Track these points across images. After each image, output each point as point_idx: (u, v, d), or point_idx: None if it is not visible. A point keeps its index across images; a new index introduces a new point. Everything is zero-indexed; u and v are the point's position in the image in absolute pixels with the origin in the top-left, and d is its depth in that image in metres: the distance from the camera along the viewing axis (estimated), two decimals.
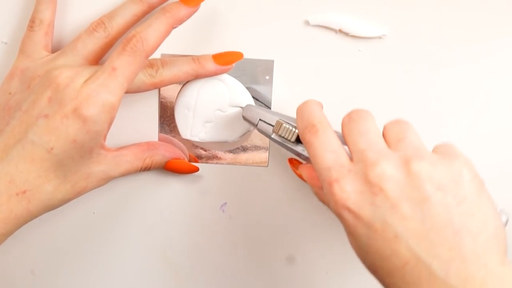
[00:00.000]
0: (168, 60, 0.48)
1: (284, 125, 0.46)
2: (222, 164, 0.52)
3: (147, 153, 0.50)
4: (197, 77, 0.49)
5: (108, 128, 0.45)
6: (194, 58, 0.49)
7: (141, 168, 0.49)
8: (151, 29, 0.44)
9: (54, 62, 0.47)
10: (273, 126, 0.47)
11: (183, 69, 0.48)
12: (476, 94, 0.50)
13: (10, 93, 0.47)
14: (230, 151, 0.52)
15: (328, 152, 0.41)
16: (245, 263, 0.54)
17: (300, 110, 0.44)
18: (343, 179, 0.39)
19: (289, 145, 0.46)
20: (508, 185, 0.51)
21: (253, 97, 0.50)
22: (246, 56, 0.50)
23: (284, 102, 0.51)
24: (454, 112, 0.50)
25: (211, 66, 0.49)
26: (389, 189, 0.38)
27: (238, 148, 0.52)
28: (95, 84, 0.43)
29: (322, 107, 0.45)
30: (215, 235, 0.53)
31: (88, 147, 0.44)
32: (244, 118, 0.49)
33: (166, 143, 0.51)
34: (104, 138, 0.46)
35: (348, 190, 0.39)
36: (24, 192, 0.44)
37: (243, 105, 0.50)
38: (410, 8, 0.49)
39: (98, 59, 0.48)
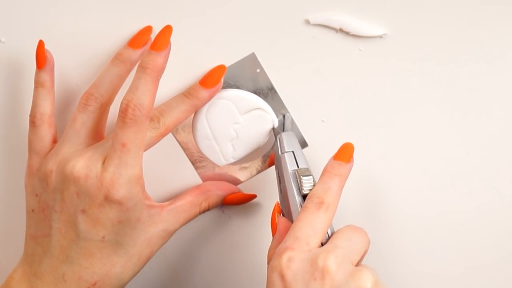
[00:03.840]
0: (164, 107, 0.48)
1: (312, 175, 0.45)
2: (261, 172, 0.52)
3: (201, 197, 0.50)
4: (197, 109, 0.49)
5: (143, 192, 0.46)
6: (186, 94, 0.48)
7: (199, 213, 0.50)
8: (141, 91, 0.44)
9: (62, 153, 0.47)
10: (298, 168, 0.46)
11: (182, 109, 0.48)
12: (477, 93, 0.50)
13: (36, 195, 0.47)
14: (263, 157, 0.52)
15: (309, 227, 0.42)
16: (245, 263, 0.53)
17: (327, 177, 0.45)
18: (299, 253, 0.41)
19: (294, 189, 0.46)
20: (509, 186, 0.51)
21: (254, 92, 0.50)
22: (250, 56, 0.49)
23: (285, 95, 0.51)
24: (455, 111, 0.50)
25: (204, 94, 0.48)
26: (327, 281, 0.40)
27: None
28: (113, 166, 0.44)
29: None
30: (215, 235, 0.53)
31: (135, 218, 0.46)
32: (279, 139, 0.47)
33: (216, 181, 0.52)
34: (148, 198, 0.47)
35: (293, 262, 0.41)
36: (95, 283, 0.46)
37: (253, 105, 0.49)
38: (411, 7, 0.49)
39: (100, 131, 0.49)
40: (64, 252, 0.46)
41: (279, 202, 0.47)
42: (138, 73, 0.45)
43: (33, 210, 0.47)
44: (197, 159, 0.52)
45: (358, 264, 0.42)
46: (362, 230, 0.44)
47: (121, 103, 0.44)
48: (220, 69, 0.49)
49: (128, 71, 0.48)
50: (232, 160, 0.50)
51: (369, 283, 0.40)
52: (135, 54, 0.48)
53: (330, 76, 0.50)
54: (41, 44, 0.48)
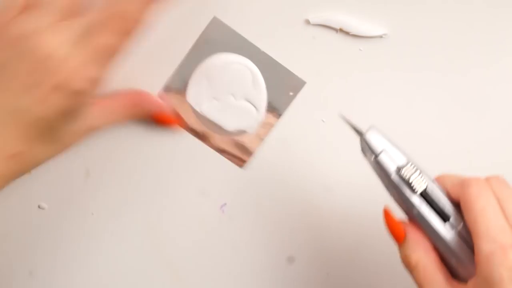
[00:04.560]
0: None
1: (419, 170, 0.41)
2: (206, 145, 0.51)
3: (133, 101, 0.49)
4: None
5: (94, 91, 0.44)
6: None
7: (125, 118, 0.49)
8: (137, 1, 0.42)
9: (33, 20, 0.42)
10: (398, 165, 0.42)
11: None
12: (477, 93, 0.50)
13: None
14: (223, 138, 0.51)
15: (497, 211, 0.39)
16: (245, 263, 0.53)
17: (444, 174, 0.43)
18: None
19: (406, 194, 0.42)
20: None
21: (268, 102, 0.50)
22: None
23: None
24: (455, 111, 0.50)
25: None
26: None
27: (233, 139, 0.51)
28: (80, 59, 0.42)
29: None
30: (215, 235, 0.53)
31: (76, 112, 0.44)
32: (365, 140, 0.43)
33: (147, 95, 0.50)
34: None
35: None
36: (14, 156, 0.43)
37: (257, 106, 0.49)
38: (411, 7, 0.49)
39: (76, 11, 0.44)
40: None
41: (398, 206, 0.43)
42: None
43: None
44: None
45: None
46: None
47: (118, 7, 0.42)
48: None
49: None
50: (197, 109, 0.50)
51: None
52: None
53: (330, 76, 0.50)
54: None
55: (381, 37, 0.49)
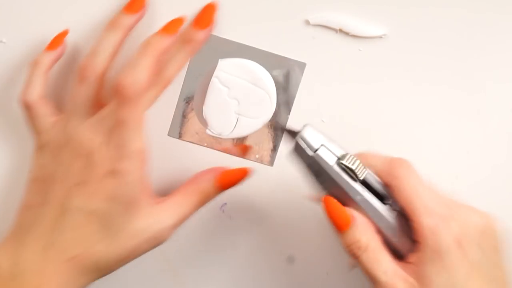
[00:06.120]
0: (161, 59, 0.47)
1: (358, 160, 0.43)
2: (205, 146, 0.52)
3: (193, 186, 0.48)
4: (194, 53, 0.48)
5: (144, 175, 0.45)
6: (181, 41, 0.47)
7: (195, 207, 0.48)
8: (139, 70, 0.44)
9: (68, 126, 0.47)
10: (337, 157, 0.43)
11: (180, 56, 0.47)
12: (477, 92, 0.50)
13: (41, 166, 0.47)
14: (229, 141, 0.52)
15: (428, 188, 0.42)
16: (245, 263, 0.53)
17: (368, 153, 0.44)
18: (459, 215, 0.41)
19: (349, 182, 0.43)
20: (509, 186, 0.51)
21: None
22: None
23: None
24: (455, 111, 0.50)
25: (200, 35, 0.48)
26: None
27: (237, 139, 0.52)
28: (116, 140, 0.44)
29: None
30: (215, 235, 0.53)
31: (128, 199, 0.45)
32: (302, 138, 0.43)
33: (206, 169, 0.50)
34: (148, 190, 0.46)
35: (466, 227, 0.41)
36: (74, 257, 0.45)
37: (270, 94, 0.50)
38: (411, 7, 0.49)
39: (100, 100, 0.48)
40: (54, 222, 0.45)
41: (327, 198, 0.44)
42: (142, 49, 0.44)
43: (33, 179, 0.47)
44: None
45: None
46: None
47: (115, 80, 0.43)
48: (211, 7, 0.48)
49: (123, 37, 0.48)
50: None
51: None
52: (129, 19, 0.47)
53: (330, 76, 0.50)
54: (65, 33, 0.48)
55: (381, 37, 0.49)
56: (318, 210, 0.52)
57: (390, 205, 0.43)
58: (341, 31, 0.50)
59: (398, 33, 0.49)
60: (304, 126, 0.44)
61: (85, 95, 0.47)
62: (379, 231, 0.43)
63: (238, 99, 0.50)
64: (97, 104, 0.48)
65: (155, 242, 0.47)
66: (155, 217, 0.46)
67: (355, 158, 0.43)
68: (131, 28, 0.48)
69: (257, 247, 0.53)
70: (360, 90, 0.50)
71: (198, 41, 0.48)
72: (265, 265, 0.53)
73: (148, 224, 0.46)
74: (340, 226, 0.43)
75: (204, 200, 0.49)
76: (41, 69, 0.48)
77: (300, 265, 0.53)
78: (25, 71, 0.50)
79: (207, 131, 0.51)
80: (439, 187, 0.43)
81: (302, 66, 0.50)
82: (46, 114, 0.49)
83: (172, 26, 0.45)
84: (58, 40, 0.48)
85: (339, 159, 0.43)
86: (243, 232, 0.53)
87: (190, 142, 0.51)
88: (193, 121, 0.51)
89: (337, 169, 0.43)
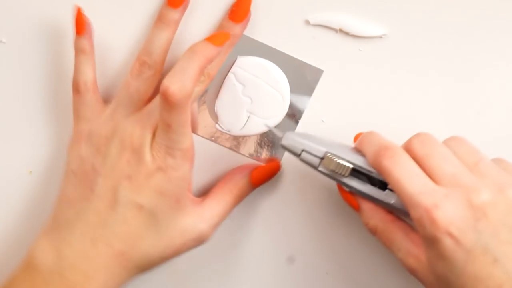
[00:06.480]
0: None
1: (337, 160, 0.44)
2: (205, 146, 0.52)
3: (228, 185, 0.49)
4: (233, 47, 0.49)
5: (190, 174, 0.46)
6: (224, 34, 0.47)
7: (232, 203, 0.49)
8: (186, 76, 0.43)
9: (117, 118, 0.47)
10: (320, 158, 0.45)
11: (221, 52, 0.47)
12: (477, 92, 0.50)
13: (81, 158, 0.47)
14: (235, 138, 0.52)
15: (414, 176, 0.41)
16: (245, 263, 0.53)
17: (365, 137, 0.45)
18: (443, 204, 0.39)
19: (339, 179, 0.45)
20: None
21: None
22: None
23: None
24: (455, 111, 0.50)
25: (237, 29, 0.48)
26: (491, 215, 0.39)
27: (246, 138, 0.52)
28: (164, 141, 0.44)
29: None
30: (215, 235, 0.53)
31: (175, 197, 0.45)
32: (283, 147, 0.46)
33: (238, 166, 0.51)
34: (190, 190, 0.47)
35: (451, 215, 0.39)
36: (122, 252, 0.45)
37: (283, 95, 0.50)
38: (411, 7, 0.49)
39: (152, 96, 0.48)
40: (100, 217, 0.45)
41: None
42: (188, 55, 0.44)
43: (73, 172, 0.47)
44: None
45: None
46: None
47: (162, 85, 0.43)
48: (246, 1, 0.48)
49: (174, 32, 0.48)
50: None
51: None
52: (177, 13, 0.48)
53: (330, 76, 0.50)
54: (79, 11, 0.48)
55: (381, 37, 0.49)
56: (318, 210, 0.52)
57: (390, 189, 0.44)
58: (341, 31, 0.49)
59: (398, 33, 0.49)
60: (284, 133, 0.46)
61: (137, 89, 0.47)
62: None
63: (252, 97, 0.50)
64: (148, 100, 0.48)
65: (199, 241, 0.48)
66: (200, 216, 0.47)
67: (334, 158, 0.44)
68: (179, 22, 0.48)
69: (257, 247, 0.53)
70: (360, 90, 0.50)
71: (236, 35, 0.48)
72: (265, 265, 0.53)
73: (194, 222, 0.47)
74: (354, 208, 0.47)
75: (241, 197, 0.50)
76: (86, 53, 0.48)
77: (300, 265, 0.53)
78: (22, 70, 0.50)
79: (217, 125, 0.51)
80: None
81: (318, 72, 0.50)
82: (96, 101, 0.49)
83: (220, 38, 0.45)
84: (80, 20, 0.48)
85: (321, 160, 0.45)
86: (243, 232, 0.53)
87: (197, 134, 0.51)
88: (203, 114, 0.51)
89: (322, 169, 0.45)
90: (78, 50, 0.48)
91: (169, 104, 0.43)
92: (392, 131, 0.51)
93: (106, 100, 0.50)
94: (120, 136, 0.46)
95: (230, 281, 0.54)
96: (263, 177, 0.50)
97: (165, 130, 0.44)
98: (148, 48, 0.48)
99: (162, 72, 0.49)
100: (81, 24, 0.48)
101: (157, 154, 0.45)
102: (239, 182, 0.50)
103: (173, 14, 0.48)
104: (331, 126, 0.51)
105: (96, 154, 0.47)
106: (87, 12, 0.48)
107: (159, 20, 0.48)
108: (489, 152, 0.51)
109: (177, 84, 0.42)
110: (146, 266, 0.47)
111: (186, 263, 0.53)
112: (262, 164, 0.51)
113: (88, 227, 0.45)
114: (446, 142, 0.43)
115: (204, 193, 0.50)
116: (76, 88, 0.49)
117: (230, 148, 0.52)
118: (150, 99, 0.48)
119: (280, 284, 0.54)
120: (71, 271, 0.45)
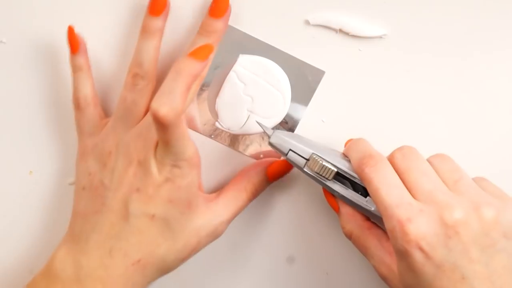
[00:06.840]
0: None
1: (321, 162, 0.45)
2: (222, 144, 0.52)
3: (243, 181, 0.50)
4: (217, 44, 0.48)
5: (198, 177, 0.46)
6: (202, 32, 0.48)
7: (247, 199, 0.50)
8: (175, 97, 0.42)
9: (118, 132, 0.48)
10: (306, 159, 0.46)
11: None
12: (477, 93, 0.50)
13: (90, 174, 0.48)
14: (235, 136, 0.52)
15: (392, 187, 0.41)
16: (245, 263, 0.54)
17: (353, 143, 0.46)
18: (416, 218, 0.40)
19: (323, 181, 0.46)
20: (510, 186, 0.51)
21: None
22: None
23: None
24: (455, 111, 0.50)
25: (219, 25, 0.48)
26: (463, 233, 0.40)
27: (245, 136, 0.52)
28: (166, 155, 0.45)
29: None
30: None
31: (186, 201, 0.46)
32: (271, 145, 0.47)
33: (254, 162, 0.51)
34: (200, 188, 0.48)
35: (423, 231, 0.40)
36: (139, 260, 0.46)
37: (284, 95, 0.50)
38: (411, 7, 0.49)
39: (149, 106, 0.48)
40: (114, 228, 0.46)
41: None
42: (173, 75, 0.43)
43: (83, 188, 0.48)
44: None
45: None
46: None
47: (152, 108, 0.42)
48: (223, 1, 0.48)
49: (160, 40, 0.48)
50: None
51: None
52: (159, 21, 0.48)
53: (330, 76, 0.50)
54: (71, 29, 0.48)
55: (381, 37, 0.49)
56: (318, 210, 0.52)
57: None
58: (341, 31, 0.49)
59: (398, 33, 0.49)
60: (273, 131, 0.47)
61: (133, 101, 0.48)
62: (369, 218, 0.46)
63: (253, 96, 0.50)
64: (146, 110, 0.48)
65: (213, 236, 0.48)
66: (213, 213, 0.48)
67: (319, 160, 0.45)
68: (163, 29, 0.48)
69: (257, 247, 0.53)
70: (360, 90, 0.50)
71: (219, 31, 0.48)
72: (265, 265, 0.53)
73: (207, 220, 0.47)
74: (335, 210, 0.48)
75: (257, 193, 0.50)
76: (83, 70, 0.49)
77: (300, 265, 0.53)
78: (22, 71, 0.50)
79: (216, 123, 0.51)
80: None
81: (320, 73, 0.50)
82: (98, 115, 0.50)
83: (203, 52, 0.44)
84: (73, 39, 0.49)
85: (307, 161, 0.46)
86: (243, 232, 0.53)
87: (197, 131, 0.51)
88: (203, 112, 0.51)
89: (307, 170, 0.46)
90: (75, 68, 0.49)
91: (162, 126, 0.43)
92: (392, 131, 0.51)
93: (108, 113, 0.51)
94: (124, 150, 0.47)
95: (230, 281, 0.54)
96: (280, 171, 0.51)
97: (164, 147, 0.44)
98: (137, 59, 0.48)
99: (156, 80, 0.49)
100: (74, 43, 0.48)
101: (162, 166, 0.45)
102: (253, 178, 0.50)
103: (156, 22, 0.48)
104: (331, 126, 0.51)
105: (103, 169, 0.47)
106: (79, 28, 0.49)
107: (144, 30, 0.48)
108: (491, 151, 0.51)
109: (166, 106, 0.42)
110: (166, 269, 0.48)
111: (186, 263, 0.53)
112: (277, 159, 0.51)
113: (104, 238, 0.46)
114: (430, 159, 0.44)
115: (203, 191, 0.50)
116: (77, 105, 0.49)
117: (229, 146, 0.52)
118: (149, 108, 0.48)
119: (280, 284, 0.54)
120: (89, 281, 0.46)
